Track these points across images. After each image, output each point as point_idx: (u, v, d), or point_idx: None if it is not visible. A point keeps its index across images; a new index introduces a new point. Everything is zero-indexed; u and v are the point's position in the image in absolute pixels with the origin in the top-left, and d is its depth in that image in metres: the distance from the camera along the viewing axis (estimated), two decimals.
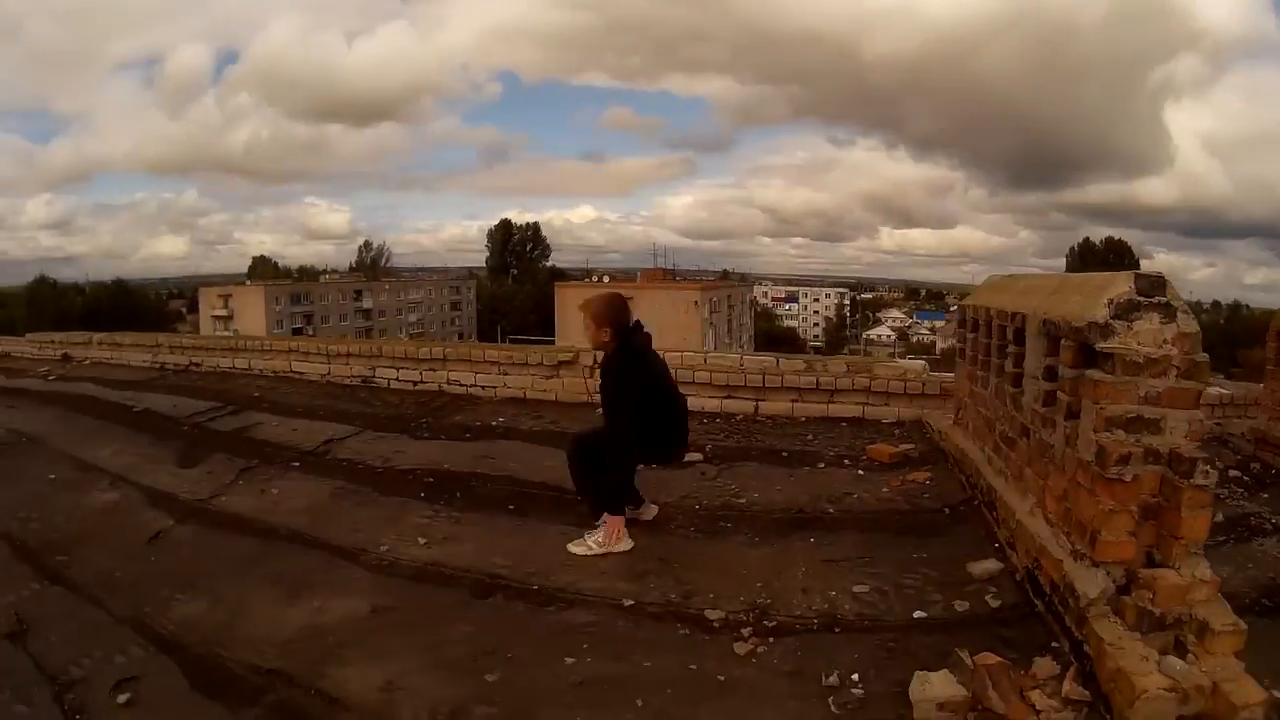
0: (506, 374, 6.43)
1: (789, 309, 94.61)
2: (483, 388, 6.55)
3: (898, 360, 5.82)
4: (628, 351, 3.29)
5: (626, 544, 3.23)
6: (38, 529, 4.07)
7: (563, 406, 5.46)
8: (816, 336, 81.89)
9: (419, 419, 5.86)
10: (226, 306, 59.14)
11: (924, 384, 5.41)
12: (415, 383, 7.20)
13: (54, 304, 52.31)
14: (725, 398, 5.76)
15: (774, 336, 66.26)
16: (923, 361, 6.19)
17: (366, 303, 64.74)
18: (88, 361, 10.21)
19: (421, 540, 3.68)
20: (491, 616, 2.90)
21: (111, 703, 2.46)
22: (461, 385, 6.67)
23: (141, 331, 11.64)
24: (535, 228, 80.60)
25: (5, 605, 3.19)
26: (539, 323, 57.54)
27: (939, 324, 78.40)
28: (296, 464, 5.03)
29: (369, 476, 4.68)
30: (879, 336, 79.87)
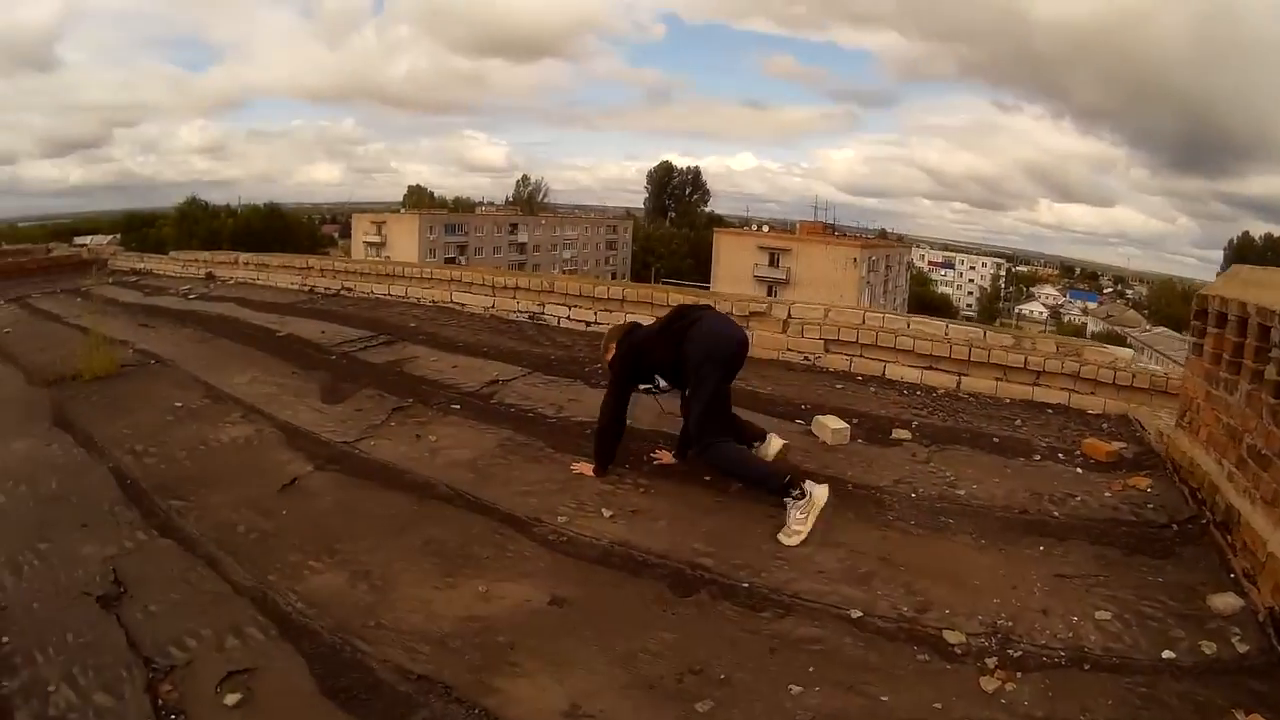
0: None
1: (944, 275, 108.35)
2: None
3: (1107, 346, 6.55)
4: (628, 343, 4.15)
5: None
6: (153, 465, 4.50)
7: (752, 362, 5.36)
8: (970, 306, 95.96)
9: (594, 365, 6.22)
10: (380, 233, 67.97)
11: (1133, 375, 5.82)
12: (589, 323, 7.81)
13: (205, 224, 61.69)
14: (926, 368, 6.29)
15: (927, 302, 76.46)
16: (1130, 350, 6.96)
17: (522, 236, 74.08)
18: (232, 282, 11.46)
19: (606, 512, 3.82)
20: (696, 620, 2.96)
21: (218, 702, 2.47)
22: None
23: (292, 254, 12.58)
24: (696, 172, 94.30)
25: (103, 560, 3.46)
26: (695, 269, 67.64)
27: (1091, 305, 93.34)
28: (457, 406, 5.45)
29: (541, 427, 5.01)
30: (1031, 313, 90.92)
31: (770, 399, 5.59)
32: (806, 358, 6.62)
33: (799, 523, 3.49)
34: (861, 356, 6.44)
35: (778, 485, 3.63)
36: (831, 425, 4.79)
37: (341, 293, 10.17)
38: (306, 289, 10.62)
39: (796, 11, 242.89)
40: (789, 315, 6.70)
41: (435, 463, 4.41)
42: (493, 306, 8.62)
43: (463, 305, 8.91)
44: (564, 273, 66.99)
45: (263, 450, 4.69)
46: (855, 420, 5.02)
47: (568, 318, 8.05)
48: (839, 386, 6.05)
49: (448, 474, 4.22)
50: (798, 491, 3.54)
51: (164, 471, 4.37)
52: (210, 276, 12.06)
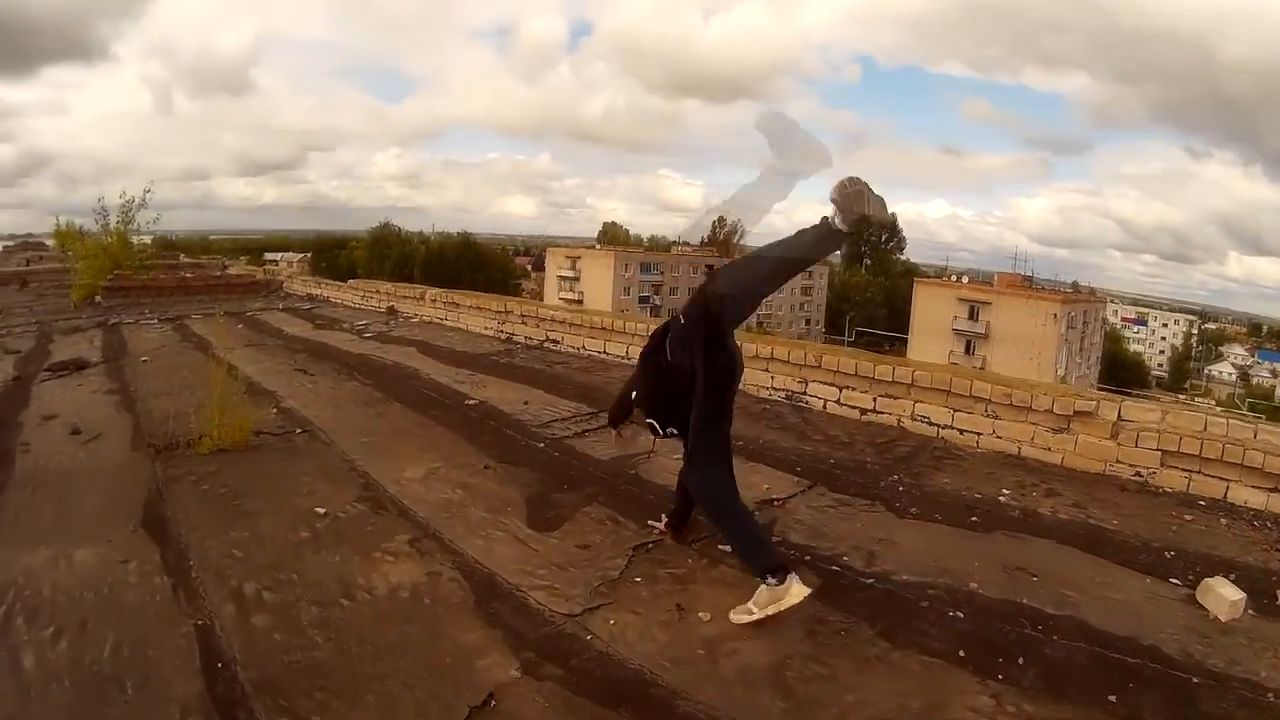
0: (997, 417, 5.91)
1: (1136, 332, 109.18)
2: (962, 432, 6.03)
3: None
4: None
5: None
6: (265, 631, 3.04)
7: (1076, 478, 5.09)
8: (1160, 366, 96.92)
9: (889, 475, 5.14)
10: (574, 268, 71.61)
11: None
12: (864, 410, 6.56)
13: (397, 250, 66.26)
14: (1272, 490, 4.91)
15: (1121, 362, 76.47)
16: None
17: None
18: (416, 320, 10.62)
19: None
20: None
21: None
22: (931, 424, 6.18)
23: (485, 292, 11.83)
24: (893, 219, 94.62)
25: None
26: (889, 319, 71.66)
27: None
28: (727, 548, 3.80)
29: (859, 594, 3.51)
30: (1219, 374, 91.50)
31: (1125, 542, 4.16)
32: (1138, 473, 5.30)
33: (761, 606, 3.09)
34: (1201, 473, 5.17)
35: (772, 565, 3.17)
36: (1229, 595, 3.60)
37: (545, 345, 9.15)
38: (504, 337, 9.70)
39: (989, 54, 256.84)
40: (1119, 417, 5.50)
41: (718, 673, 2.80)
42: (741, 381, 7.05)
43: None
44: (758, 318, 73.36)
45: (440, 618, 3.06)
46: (1232, 575, 3.74)
47: (837, 401, 6.57)
48: (1188, 518, 4.66)
49: (743, 703, 2.63)
50: (776, 580, 3.10)
51: (278, 648, 2.84)
52: (392, 311, 11.23)
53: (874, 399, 6.40)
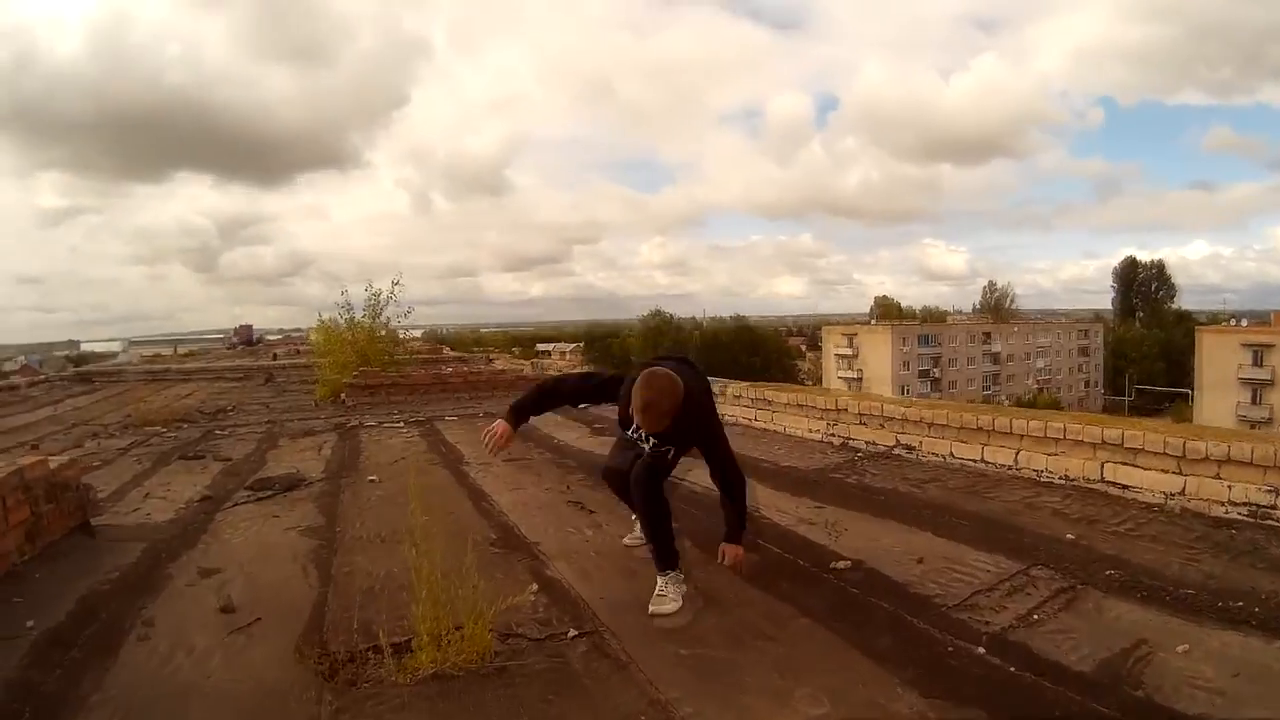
0: None
1: None
2: None
3: None
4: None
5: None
6: None
7: None
8: None
9: None
10: (850, 345, 76.18)
11: None
12: None
13: (670, 336, 71.19)
14: None
15: None
16: None
17: (995, 346, 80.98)
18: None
19: None
20: None
21: None
22: None
23: (797, 385, 9.88)
24: (1160, 266, 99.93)
25: None
26: (1166, 371, 74.93)
27: None
28: None
29: None
30: None
31: None
32: None
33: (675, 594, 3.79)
34: None
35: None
36: None
37: (896, 452, 7.10)
38: (838, 443, 7.67)
39: (1223, 76, 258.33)
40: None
41: None
42: (1181, 492, 5.34)
43: (1125, 488, 5.59)
44: (1038, 383, 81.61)
45: None
46: None
47: None
48: None
49: None
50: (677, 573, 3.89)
51: None
52: None
53: None
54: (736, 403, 8.92)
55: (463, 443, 8.36)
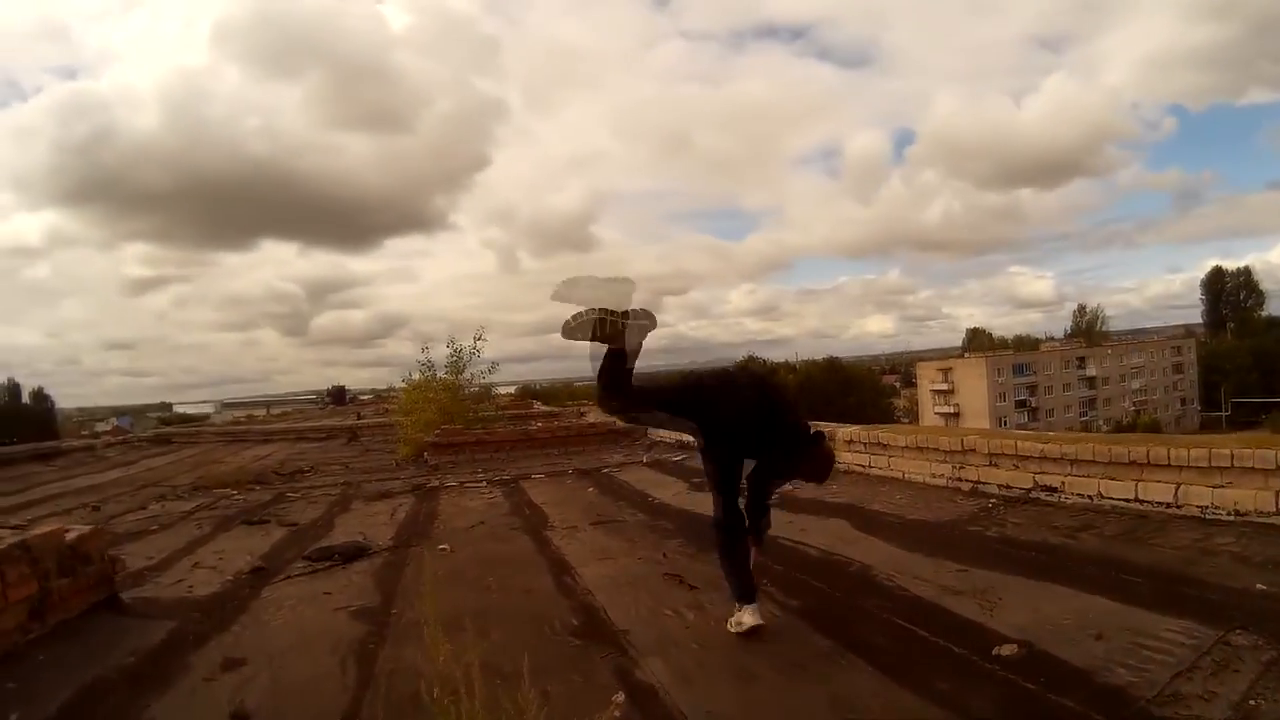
0: None
1: None
2: None
3: None
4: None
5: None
6: None
7: None
8: None
9: None
10: (946, 380, 77.29)
11: None
12: None
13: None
14: None
15: None
16: None
17: (1090, 370, 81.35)
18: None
19: None
20: None
21: None
22: None
23: (929, 428, 8.53)
24: (1246, 273, 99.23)
25: None
26: (1259, 382, 74.07)
27: None
28: None
29: None
30: None
31: None
32: None
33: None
34: None
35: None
36: None
37: (1035, 495, 6.20)
38: (965, 488, 6.73)
39: None
40: None
41: None
42: None
43: None
44: (1134, 405, 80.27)
45: None
46: None
47: None
48: None
49: None
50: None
51: None
52: None
53: None
54: (849, 448, 7.98)
55: (548, 503, 7.62)
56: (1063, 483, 5.98)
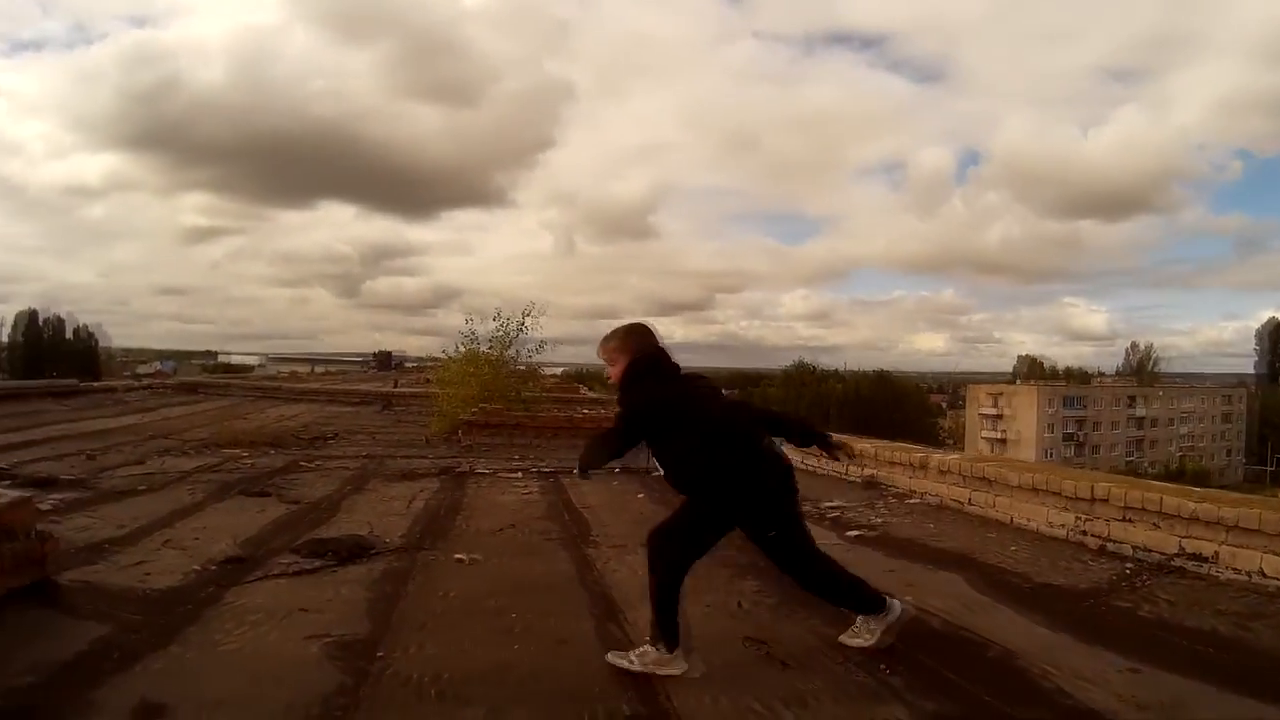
0: None
1: None
2: None
3: None
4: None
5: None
6: None
7: None
8: None
9: None
10: (996, 405, 76.27)
11: None
12: None
13: (812, 388, 72.29)
14: None
15: None
16: None
17: (1140, 410, 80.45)
18: (918, 501, 7.52)
19: None
20: None
21: None
22: None
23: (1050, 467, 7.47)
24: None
25: None
26: None
27: None
28: None
29: None
30: None
31: None
32: None
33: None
34: None
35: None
36: None
37: (1179, 564, 5.00)
38: (1093, 544, 5.51)
39: None
40: None
41: None
42: None
43: None
44: (1180, 450, 79.23)
45: None
46: None
47: None
48: None
49: None
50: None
51: None
52: (872, 484, 7.31)
53: None
54: (944, 479, 6.82)
55: (591, 508, 6.44)
56: (1215, 552, 4.77)
